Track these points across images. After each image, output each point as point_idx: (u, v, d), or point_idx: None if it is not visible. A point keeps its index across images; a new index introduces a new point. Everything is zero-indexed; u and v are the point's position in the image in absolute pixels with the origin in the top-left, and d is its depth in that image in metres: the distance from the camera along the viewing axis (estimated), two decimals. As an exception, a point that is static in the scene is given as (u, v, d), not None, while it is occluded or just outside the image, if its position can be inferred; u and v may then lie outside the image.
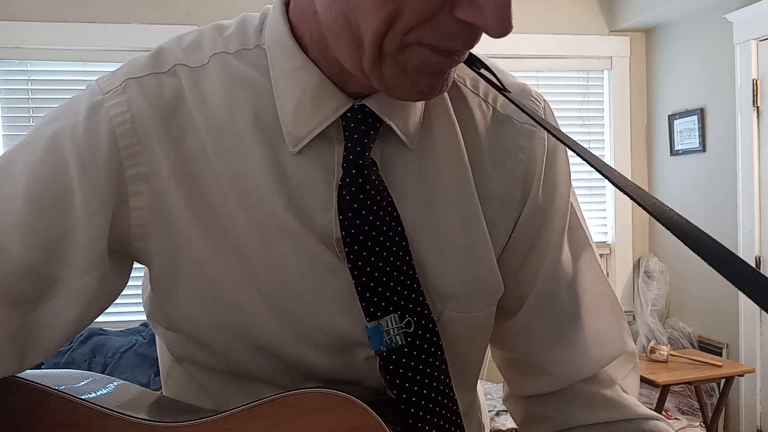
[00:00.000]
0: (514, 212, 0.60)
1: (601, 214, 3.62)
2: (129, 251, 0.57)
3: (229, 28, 0.59)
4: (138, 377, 2.61)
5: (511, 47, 3.42)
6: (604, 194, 3.59)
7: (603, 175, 0.45)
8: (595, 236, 3.58)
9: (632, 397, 0.63)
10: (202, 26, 0.60)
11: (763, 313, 2.88)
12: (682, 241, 0.39)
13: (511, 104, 0.58)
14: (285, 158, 0.55)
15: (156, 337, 0.68)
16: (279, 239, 0.54)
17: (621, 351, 0.64)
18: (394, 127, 0.55)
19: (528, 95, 0.62)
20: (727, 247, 0.36)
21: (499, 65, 0.63)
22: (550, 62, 3.50)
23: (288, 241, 0.54)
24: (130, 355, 2.72)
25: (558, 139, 0.53)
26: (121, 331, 2.87)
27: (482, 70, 0.59)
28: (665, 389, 2.70)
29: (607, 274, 3.61)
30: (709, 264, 0.37)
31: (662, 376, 2.70)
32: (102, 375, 0.64)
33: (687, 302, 3.36)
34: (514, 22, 0.46)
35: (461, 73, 0.61)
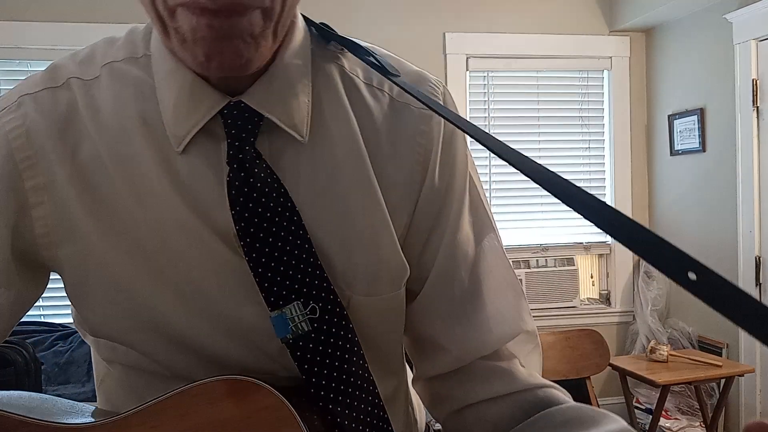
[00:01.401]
0: (414, 194, 0.62)
1: (601, 214, 3.62)
2: (39, 260, 0.58)
3: (120, 40, 0.62)
4: (138, 377, 2.61)
5: (511, 47, 3.42)
6: (605, 194, 3.59)
7: (504, 158, 0.48)
8: (595, 236, 3.59)
9: (528, 369, 0.64)
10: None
11: (763, 313, 2.88)
12: (562, 201, 0.43)
13: (404, 90, 0.60)
14: (175, 159, 0.56)
15: (90, 345, 0.70)
16: (179, 237, 0.56)
17: (520, 330, 0.65)
18: (275, 120, 0.57)
19: (426, 81, 0.64)
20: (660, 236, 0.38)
21: (394, 55, 0.65)
22: (550, 62, 3.50)
23: (188, 238, 0.56)
24: (130, 355, 2.71)
25: (447, 119, 0.55)
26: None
27: (370, 58, 0.61)
28: (665, 389, 2.70)
29: (607, 274, 3.61)
30: (585, 218, 0.41)
31: (662, 376, 2.71)
32: (40, 394, 0.65)
33: (687, 302, 3.36)
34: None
35: (353, 65, 0.63)
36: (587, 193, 0.42)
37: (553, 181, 0.44)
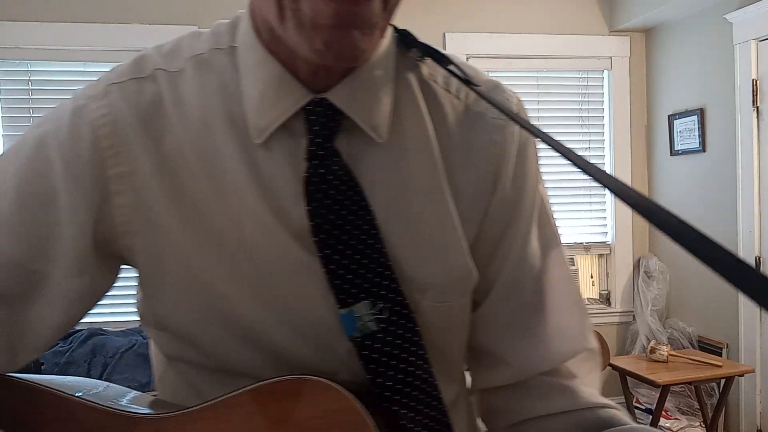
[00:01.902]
0: (484, 204, 0.62)
1: (601, 214, 3.62)
2: (115, 250, 0.58)
3: (205, 33, 0.62)
4: (138, 377, 2.61)
5: (511, 47, 3.43)
6: (604, 194, 3.59)
7: (578, 166, 0.47)
8: (595, 236, 3.59)
9: (590, 388, 0.64)
10: (202, 26, 0.63)
11: (764, 313, 2.88)
12: (661, 229, 0.39)
13: (483, 101, 0.60)
14: (257, 153, 0.57)
15: (149, 341, 0.70)
16: (255, 232, 0.56)
17: (582, 348, 0.64)
18: (356, 120, 0.57)
19: (501, 91, 0.64)
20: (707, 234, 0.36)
21: (470, 64, 0.65)
22: (550, 62, 3.51)
23: (264, 234, 0.56)
24: (130, 355, 2.72)
25: (530, 131, 0.55)
26: (121, 331, 2.87)
27: (451, 67, 0.61)
28: (665, 389, 2.70)
29: (607, 274, 3.61)
30: (676, 242, 0.38)
31: (662, 376, 2.71)
32: (97, 380, 0.67)
33: (687, 302, 3.36)
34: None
35: (433, 71, 0.63)
36: (682, 219, 0.39)
37: (640, 201, 0.41)
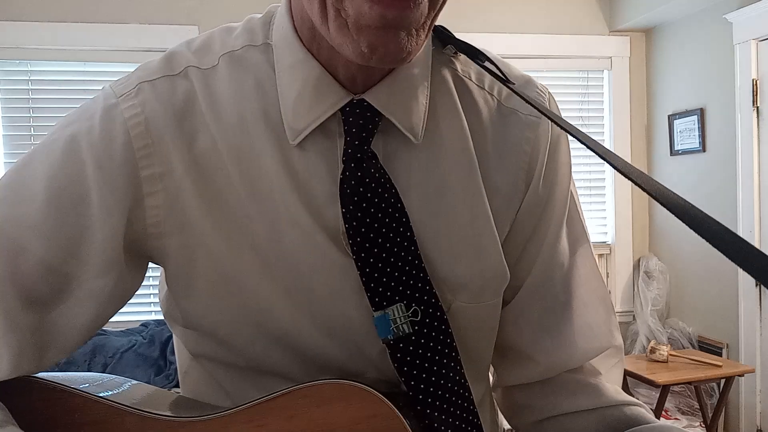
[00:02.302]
0: (517, 202, 0.61)
1: (601, 214, 3.62)
2: (145, 250, 0.58)
3: (237, 29, 0.60)
4: (138, 377, 2.61)
5: (511, 47, 3.42)
6: (604, 194, 3.59)
7: (608, 162, 0.46)
8: (595, 236, 3.59)
9: (614, 386, 0.64)
10: (207, 27, 0.62)
11: (764, 312, 2.88)
12: (686, 223, 0.39)
13: (516, 97, 0.60)
14: (292, 154, 0.56)
15: (173, 336, 0.69)
16: (290, 233, 0.56)
17: (609, 345, 0.64)
18: (394, 121, 0.56)
19: (533, 87, 0.64)
20: (732, 230, 0.36)
21: (501, 59, 0.64)
22: (550, 62, 3.51)
23: (299, 235, 0.55)
24: (130, 355, 2.72)
25: (562, 128, 0.54)
26: (121, 331, 2.87)
27: (486, 63, 0.60)
28: (665, 389, 2.70)
29: (607, 274, 3.61)
30: (714, 246, 0.37)
31: (662, 376, 2.70)
32: (116, 376, 0.65)
33: (687, 302, 3.36)
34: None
35: (466, 67, 0.62)
36: (716, 221, 0.38)
37: (674, 200, 0.40)
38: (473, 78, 0.62)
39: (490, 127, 0.61)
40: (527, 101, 0.56)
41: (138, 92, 0.56)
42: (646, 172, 2.96)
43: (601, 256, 3.65)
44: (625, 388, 2.97)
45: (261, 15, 0.61)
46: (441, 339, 0.57)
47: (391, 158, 0.57)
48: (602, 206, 3.62)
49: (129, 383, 0.63)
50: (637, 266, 3.59)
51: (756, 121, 2.92)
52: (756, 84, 2.90)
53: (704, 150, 3.19)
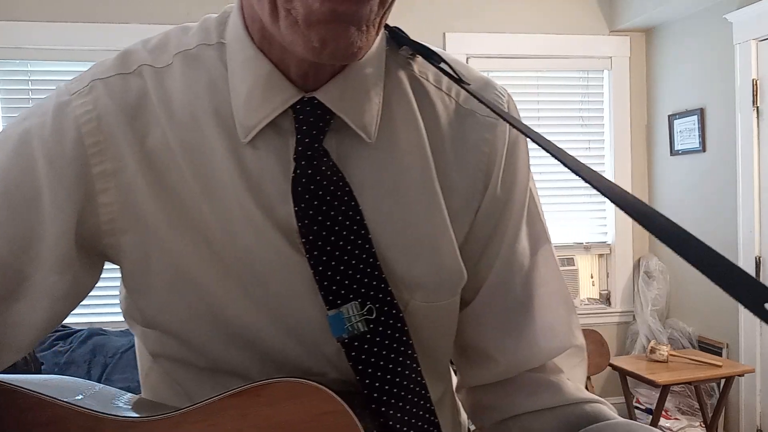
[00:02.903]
0: (475, 203, 0.61)
1: (601, 214, 3.62)
2: (100, 248, 0.58)
3: (193, 28, 0.61)
4: (137, 377, 2.61)
5: (511, 47, 3.43)
6: (604, 194, 3.59)
7: (568, 167, 0.47)
8: (595, 236, 3.59)
9: (575, 383, 0.64)
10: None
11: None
12: (646, 228, 0.41)
13: (475, 98, 0.60)
14: (245, 152, 0.56)
15: (135, 337, 0.69)
16: (244, 231, 0.56)
17: (570, 344, 0.65)
18: (346, 120, 0.56)
19: (492, 89, 0.64)
20: (704, 241, 0.37)
21: (461, 61, 0.64)
22: (550, 62, 3.51)
23: (253, 232, 0.56)
24: (130, 355, 2.72)
25: (519, 129, 0.54)
26: (121, 331, 2.87)
27: (441, 65, 0.61)
28: (665, 389, 2.70)
29: (607, 274, 3.61)
30: (664, 243, 0.38)
31: (662, 376, 2.71)
32: (83, 379, 0.65)
33: (687, 302, 3.36)
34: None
35: (423, 69, 0.62)
36: (666, 217, 0.40)
37: (628, 200, 0.42)
38: (431, 79, 0.62)
39: (448, 128, 0.61)
40: (482, 101, 0.57)
41: (91, 90, 0.57)
42: (646, 173, 2.95)
43: (601, 256, 3.65)
44: (625, 388, 2.97)
45: (216, 15, 0.61)
46: (397, 337, 0.57)
47: (344, 157, 0.57)
48: (602, 206, 3.62)
49: (96, 387, 0.62)
50: (637, 266, 3.58)
51: (756, 121, 2.92)
52: (756, 84, 2.90)
53: (704, 150, 3.19)
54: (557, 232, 3.52)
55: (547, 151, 0.49)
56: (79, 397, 0.58)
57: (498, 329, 0.64)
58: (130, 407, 0.59)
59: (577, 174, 0.46)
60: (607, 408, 0.62)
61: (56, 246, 0.54)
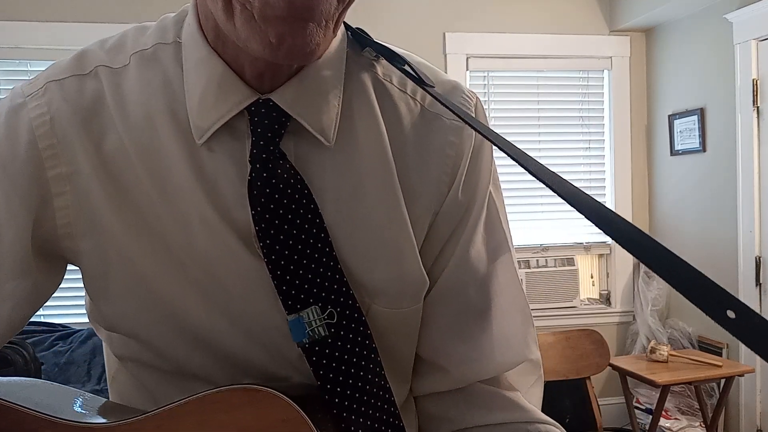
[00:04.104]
0: (436, 206, 0.60)
1: (601, 214, 3.61)
2: (58, 251, 0.57)
3: (150, 28, 0.60)
4: (138, 377, 2.61)
5: (511, 47, 3.42)
6: (605, 194, 3.59)
7: (526, 168, 0.47)
8: (595, 236, 3.59)
9: (531, 404, 0.63)
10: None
11: (764, 313, 2.87)
12: (599, 227, 0.42)
13: (438, 101, 0.59)
14: (200, 154, 0.55)
15: (102, 340, 0.68)
16: (202, 233, 0.55)
17: (525, 357, 0.63)
18: (302, 122, 0.55)
19: (459, 92, 0.62)
20: (646, 233, 0.38)
21: (429, 64, 0.63)
22: (550, 62, 3.50)
23: (210, 235, 0.55)
24: (130, 355, 2.72)
25: (482, 134, 0.54)
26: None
27: (405, 67, 0.60)
28: (665, 389, 2.70)
29: (607, 274, 3.61)
30: (624, 248, 0.39)
31: (662, 376, 2.71)
32: (50, 383, 0.64)
33: (687, 302, 3.30)
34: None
35: (387, 71, 0.61)
36: (627, 222, 0.41)
37: (590, 205, 0.42)
38: (395, 82, 0.61)
39: (411, 132, 0.60)
40: (444, 104, 0.56)
41: (45, 91, 0.56)
42: (646, 173, 2.95)
43: (601, 256, 3.65)
44: (625, 388, 2.97)
45: (175, 14, 0.60)
46: (359, 341, 0.56)
47: (303, 160, 0.56)
48: (602, 206, 3.61)
49: (60, 390, 0.62)
50: (637, 266, 3.58)
51: (756, 121, 2.92)
52: (756, 84, 2.90)
53: (704, 150, 3.19)
54: (557, 232, 3.52)
55: (510, 157, 0.49)
56: (43, 402, 0.57)
57: (449, 334, 0.62)
58: (90, 411, 0.59)
59: (540, 180, 0.45)
60: (559, 431, 0.61)
61: (13, 251, 0.54)
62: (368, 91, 0.59)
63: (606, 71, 3.58)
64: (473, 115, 0.62)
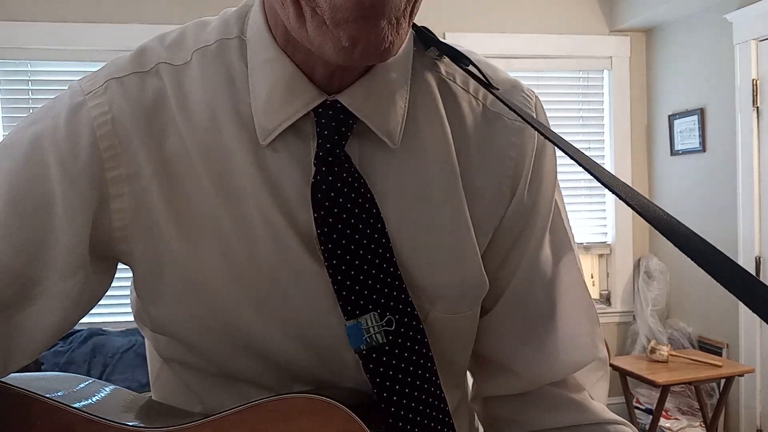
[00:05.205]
0: (501, 209, 0.59)
1: (601, 214, 3.62)
2: (112, 253, 0.56)
3: (212, 23, 0.58)
4: (138, 377, 2.61)
5: (511, 47, 3.42)
6: (605, 194, 3.59)
7: (591, 173, 0.45)
8: (595, 236, 3.59)
9: (599, 403, 0.62)
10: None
11: (763, 313, 2.87)
12: (670, 240, 0.39)
13: (503, 104, 0.57)
14: (264, 154, 0.54)
15: (145, 338, 0.68)
16: (264, 236, 0.54)
17: (593, 357, 0.63)
18: (369, 124, 0.54)
19: (519, 91, 0.61)
20: (721, 250, 0.35)
21: (488, 61, 0.62)
22: (550, 62, 3.51)
23: (273, 238, 0.54)
24: (130, 355, 2.72)
25: (546, 137, 0.53)
26: (121, 331, 2.87)
27: (470, 67, 0.59)
28: (665, 389, 2.70)
29: (607, 274, 3.61)
30: (699, 265, 0.36)
31: (662, 376, 2.71)
32: (95, 379, 0.64)
33: (687, 302, 3.36)
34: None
35: (451, 70, 0.60)
36: (686, 227, 0.38)
37: (654, 212, 0.40)
38: (458, 81, 0.60)
39: (475, 132, 0.59)
40: (510, 107, 0.55)
41: (106, 90, 0.54)
42: (646, 173, 2.94)
43: (601, 256, 3.65)
44: (625, 388, 2.97)
45: (236, 8, 0.59)
46: (416, 349, 0.55)
47: (367, 163, 0.55)
48: (602, 206, 3.61)
49: (106, 388, 0.61)
50: (637, 266, 3.58)
51: (756, 121, 2.92)
52: (756, 84, 2.90)
53: (704, 150, 3.19)
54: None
55: (572, 158, 0.47)
56: (88, 401, 0.56)
57: (518, 340, 0.62)
58: (139, 412, 0.58)
59: (607, 187, 0.43)
60: (631, 430, 0.60)
61: (69, 252, 0.53)
62: (433, 91, 0.58)
63: (606, 71, 3.58)
64: (534, 115, 0.61)
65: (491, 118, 0.60)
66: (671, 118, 3.39)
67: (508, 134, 0.59)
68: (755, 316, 3.05)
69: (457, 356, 0.63)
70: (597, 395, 0.63)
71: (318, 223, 0.53)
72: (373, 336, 0.54)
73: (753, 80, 2.91)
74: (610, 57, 3.54)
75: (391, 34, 0.47)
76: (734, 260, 0.35)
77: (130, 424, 0.54)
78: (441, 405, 0.57)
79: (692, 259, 0.37)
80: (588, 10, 3.51)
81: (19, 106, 3.09)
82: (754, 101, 2.91)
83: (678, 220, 0.39)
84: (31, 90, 3.10)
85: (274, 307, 0.55)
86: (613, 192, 0.43)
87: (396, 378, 0.55)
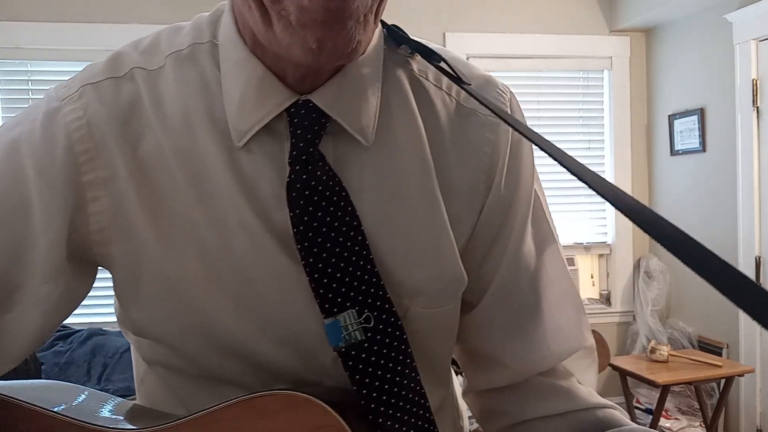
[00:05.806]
0: (478, 204, 0.60)
1: (601, 214, 3.62)
2: (91, 256, 0.57)
3: (185, 28, 0.59)
4: (138, 377, 2.61)
5: (511, 47, 3.43)
6: (604, 194, 3.59)
7: (563, 165, 0.46)
8: (595, 236, 3.59)
9: (587, 388, 0.63)
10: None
11: (763, 313, 2.88)
12: (653, 237, 0.39)
13: (475, 99, 0.58)
14: (239, 156, 0.54)
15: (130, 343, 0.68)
16: (240, 237, 0.54)
17: (580, 346, 0.63)
18: (341, 122, 0.54)
19: (493, 87, 0.62)
20: (709, 249, 0.35)
21: (461, 58, 0.63)
22: (550, 62, 3.51)
23: (249, 239, 0.54)
24: (130, 355, 2.72)
25: (518, 130, 0.53)
26: (120, 331, 2.87)
27: (442, 64, 0.59)
28: (665, 389, 2.70)
29: (607, 274, 3.61)
30: (683, 262, 0.36)
31: (662, 376, 2.71)
32: (76, 385, 0.64)
33: (687, 302, 3.36)
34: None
35: (423, 67, 0.60)
36: (672, 224, 0.38)
37: (632, 206, 0.40)
38: (430, 78, 0.60)
39: (449, 129, 0.59)
40: (482, 102, 0.55)
41: (81, 95, 0.55)
42: (646, 173, 2.95)
43: (601, 256, 3.65)
44: (625, 388, 2.97)
45: (209, 13, 0.59)
46: (395, 345, 0.56)
47: (341, 161, 0.56)
48: (602, 206, 3.61)
49: (86, 393, 0.62)
50: (637, 266, 3.58)
51: (756, 121, 2.92)
52: (756, 84, 2.90)
53: (704, 150, 3.19)
54: (557, 232, 3.52)
55: (549, 154, 0.48)
56: (66, 405, 0.57)
57: (506, 332, 0.62)
58: (121, 416, 0.58)
59: (579, 178, 0.44)
60: (620, 413, 0.61)
61: (47, 256, 0.53)
62: (405, 89, 0.58)
63: (606, 71, 3.58)
64: (508, 110, 0.61)
65: (465, 114, 0.60)
66: (671, 118, 3.39)
67: (482, 130, 0.60)
68: (755, 321, 3.08)
69: (438, 353, 0.64)
70: (585, 380, 0.64)
71: (294, 222, 0.54)
72: (352, 333, 0.54)
73: (753, 80, 2.91)
74: (610, 57, 3.55)
75: (359, 33, 0.48)
76: (704, 245, 0.35)
77: (111, 427, 0.54)
78: (421, 401, 0.58)
79: (662, 245, 0.37)
80: (588, 10, 3.51)
81: (19, 106, 3.08)
82: (754, 101, 2.91)
83: (652, 210, 0.39)
84: (31, 90, 3.10)
85: (252, 307, 0.55)
86: (585, 182, 0.43)
87: (375, 375, 0.55)
